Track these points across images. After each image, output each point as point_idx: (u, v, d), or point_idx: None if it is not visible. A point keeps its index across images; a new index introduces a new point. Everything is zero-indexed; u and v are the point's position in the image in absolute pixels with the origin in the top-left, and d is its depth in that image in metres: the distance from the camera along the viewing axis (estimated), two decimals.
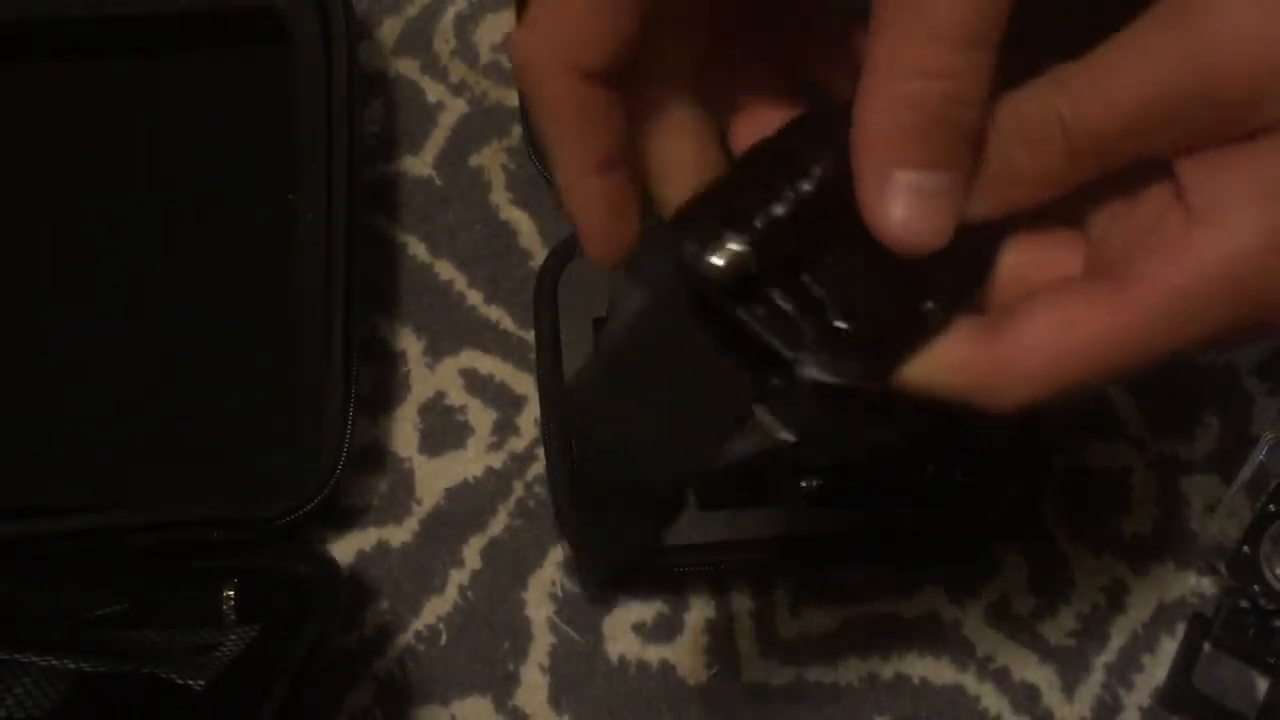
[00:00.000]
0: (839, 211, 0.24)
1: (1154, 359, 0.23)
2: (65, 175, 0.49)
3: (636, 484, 0.29)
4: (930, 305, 0.24)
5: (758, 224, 0.23)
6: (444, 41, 0.51)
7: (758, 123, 0.27)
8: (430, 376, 0.48)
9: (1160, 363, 0.24)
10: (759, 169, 0.25)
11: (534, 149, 0.47)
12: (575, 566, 0.46)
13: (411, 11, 0.52)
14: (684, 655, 0.46)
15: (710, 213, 0.24)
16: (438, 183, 0.50)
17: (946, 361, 0.25)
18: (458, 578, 0.47)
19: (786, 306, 0.24)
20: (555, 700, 0.45)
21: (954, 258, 0.24)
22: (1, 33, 0.47)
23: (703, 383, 0.25)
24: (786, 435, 0.24)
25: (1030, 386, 0.24)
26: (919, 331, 0.24)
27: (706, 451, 0.25)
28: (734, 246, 0.23)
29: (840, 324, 0.24)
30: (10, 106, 0.49)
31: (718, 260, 0.23)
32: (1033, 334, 0.24)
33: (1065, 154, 0.23)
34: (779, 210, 0.24)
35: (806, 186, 0.24)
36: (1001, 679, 0.46)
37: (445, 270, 0.49)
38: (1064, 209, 0.25)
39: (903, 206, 0.23)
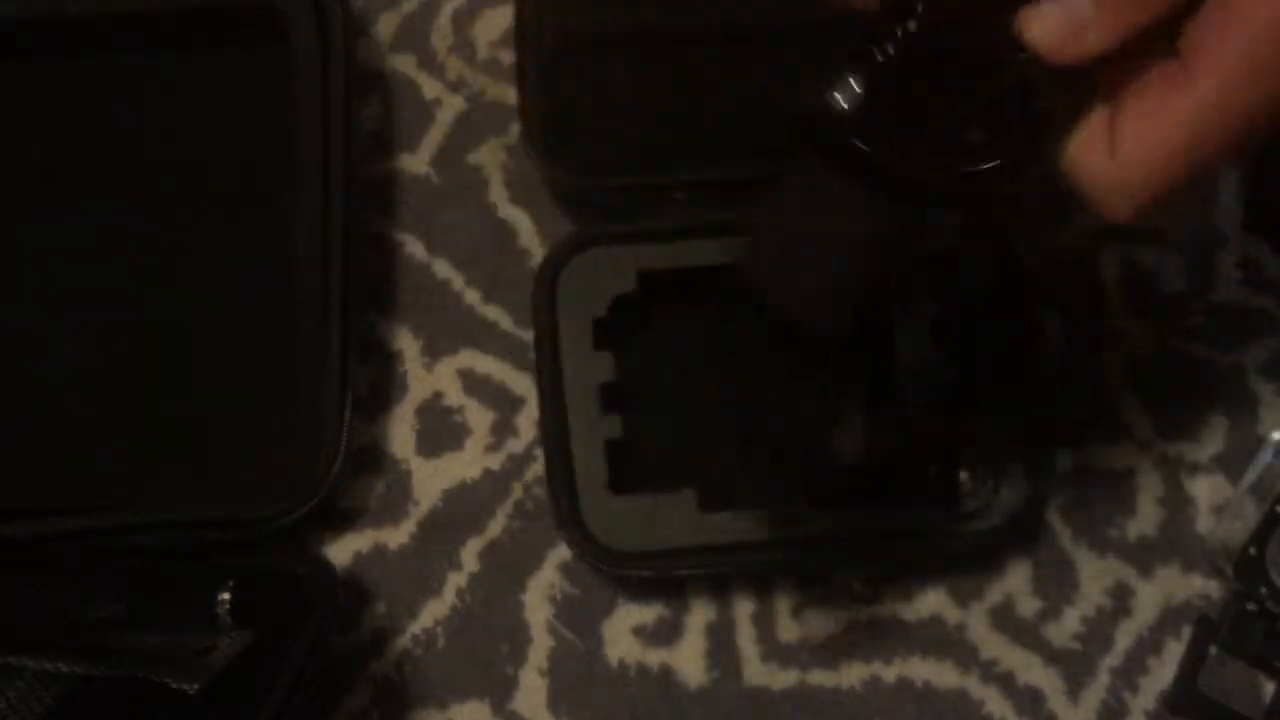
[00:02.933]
0: (947, 49, 0.27)
1: (1242, 126, 0.26)
2: (60, 173, 0.48)
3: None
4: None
5: (870, 61, 0.26)
6: (441, 38, 0.51)
7: None
8: (428, 377, 0.48)
9: (1255, 131, 0.26)
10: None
11: (533, 146, 0.47)
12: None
13: (408, 7, 0.51)
14: (684, 659, 0.45)
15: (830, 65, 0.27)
16: (435, 181, 0.50)
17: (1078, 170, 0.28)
18: (455, 580, 0.46)
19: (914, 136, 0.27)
20: (554, 704, 0.45)
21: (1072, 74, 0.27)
22: (1, 32, 0.47)
23: (850, 222, 0.28)
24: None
25: (1146, 194, 0.27)
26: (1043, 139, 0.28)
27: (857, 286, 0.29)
28: (850, 84, 0.26)
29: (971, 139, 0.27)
30: (10, 106, 0.49)
31: (838, 96, 0.26)
32: (1132, 143, 0.27)
33: None
34: (889, 49, 0.26)
35: (912, 26, 0.26)
36: (1005, 683, 0.45)
37: (442, 269, 0.49)
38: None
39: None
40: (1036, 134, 0.27)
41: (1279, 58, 0.25)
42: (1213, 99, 0.26)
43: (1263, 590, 0.43)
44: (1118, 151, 0.27)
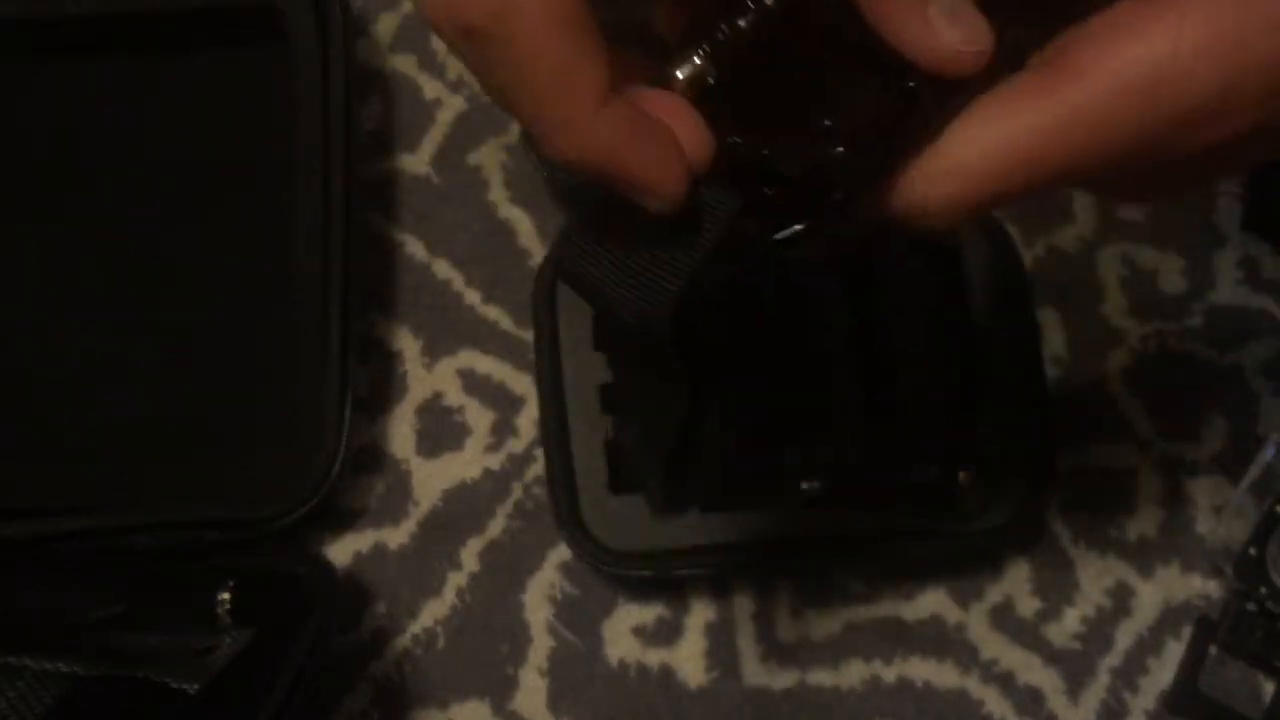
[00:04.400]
0: (801, 27, 0.25)
1: (1096, 150, 0.23)
2: (60, 173, 0.48)
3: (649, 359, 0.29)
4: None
5: (717, 37, 0.24)
6: None
7: None
8: (428, 377, 0.48)
9: (1088, 173, 0.24)
10: None
11: (533, 147, 0.47)
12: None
13: (408, 8, 0.51)
14: (684, 659, 0.45)
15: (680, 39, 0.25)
16: (435, 181, 0.50)
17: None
18: (456, 580, 0.46)
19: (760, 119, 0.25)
20: (554, 704, 0.45)
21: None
22: (1, 32, 0.47)
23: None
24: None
25: (970, 202, 0.24)
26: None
27: (675, 276, 0.25)
28: (693, 59, 0.24)
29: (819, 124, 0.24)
30: (10, 106, 0.49)
31: (679, 74, 0.24)
32: (967, 147, 0.24)
33: None
34: (740, 23, 0.24)
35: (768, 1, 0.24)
36: (1005, 683, 0.45)
37: (443, 269, 0.49)
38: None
39: (950, 26, 0.23)
40: (889, 125, 0.24)
41: (1166, 92, 0.22)
42: (1065, 128, 0.23)
43: (1263, 590, 0.43)
44: (948, 154, 0.24)
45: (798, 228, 0.24)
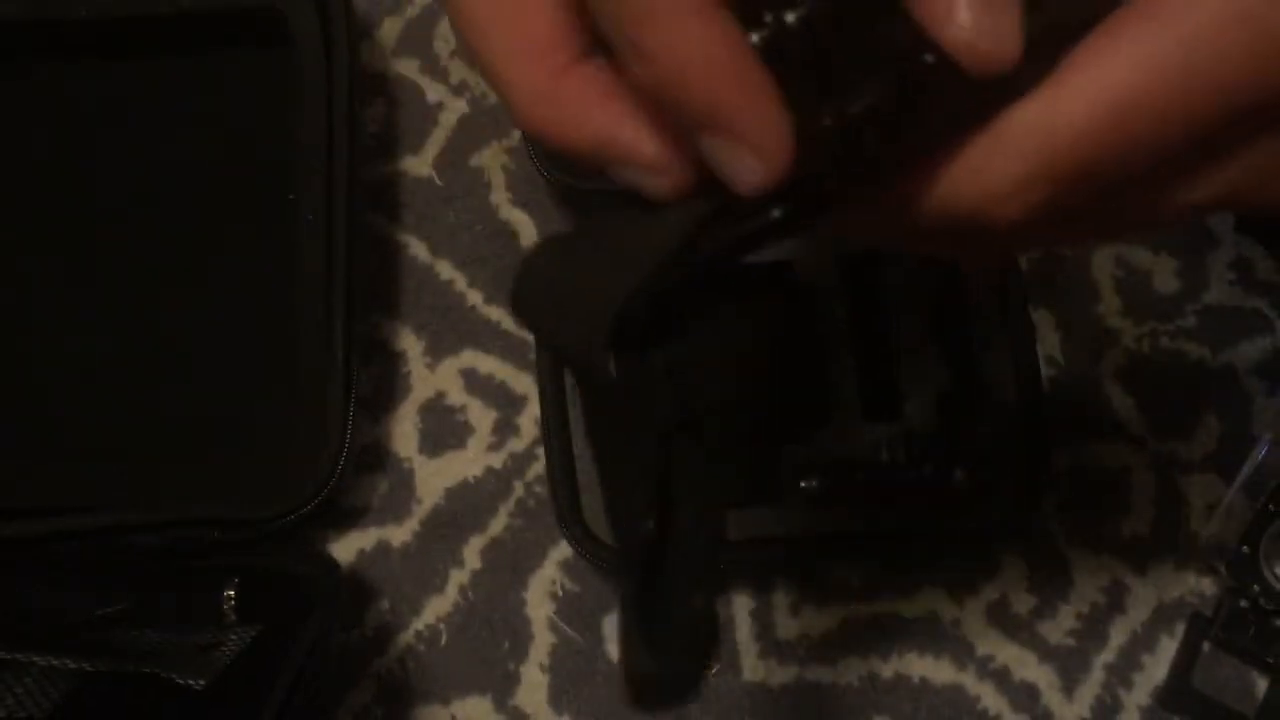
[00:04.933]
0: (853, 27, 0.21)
1: (1177, 116, 0.20)
2: (65, 175, 0.49)
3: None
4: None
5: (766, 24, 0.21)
6: (444, 41, 0.51)
7: None
8: (430, 376, 0.48)
9: (1191, 126, 0.20)
10: None
11: (534, 148, 0.47)
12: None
13: (412, 12, 0.52)
14: None
15: None
16: (438, 183, 0.50)
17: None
18: (458, 577, 0.47)
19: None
20: (555, 700, 0.45)
21: None
22: (2, 33, 0.48)
23: (638, 230, 0.22)
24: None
25: (1027, 182, 0.20)
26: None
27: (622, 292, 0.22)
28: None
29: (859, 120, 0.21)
30: (10, 106, 0.49)
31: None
32: (1029, 107, 0.20)
33: None
34: (789, 17, 0.21)
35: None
36: (1001, 678, 0.46)
37: (445, 270, 0.49)
38: None
39: (971, 9, 0.20)
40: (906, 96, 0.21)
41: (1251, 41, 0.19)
42: (1195, 31, 0.19)
43: (1255, 587, 0.43)
44: (1020, 122, 0.21)
45: (775, 214, 0.21)
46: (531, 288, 0.24)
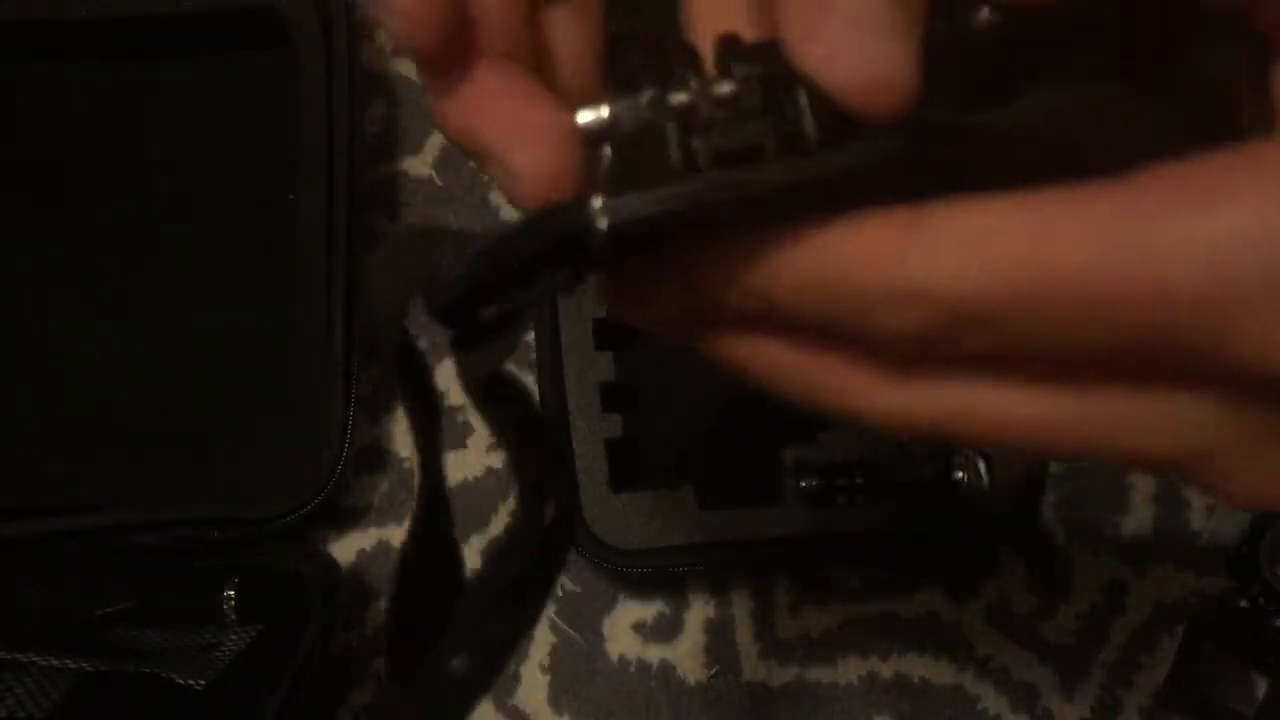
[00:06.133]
0: None
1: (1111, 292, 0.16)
2: (65, 175, 0.49)
3: None
4: None
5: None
6: None
7: None
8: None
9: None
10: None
11: None
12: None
13: None
14: (684, 655, 0.46)
15: None
16: (438, 183, 0.50)
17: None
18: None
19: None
20: (555, 700, 0.46)
21: None
22: (1, 33, 0.48)
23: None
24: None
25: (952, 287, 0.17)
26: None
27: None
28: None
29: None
30: (10, 106, 0.49)
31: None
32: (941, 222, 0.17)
33: None
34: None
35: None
36: (1001, 679, 0.46)
37: None
38: None
39: (850, 30, 0.17)
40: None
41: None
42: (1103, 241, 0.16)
43: (1255, 587, 0.43)
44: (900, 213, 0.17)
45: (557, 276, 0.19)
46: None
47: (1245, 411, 0.17)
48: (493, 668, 0.23)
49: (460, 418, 0.48)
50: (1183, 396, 0.17)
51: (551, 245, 0.18)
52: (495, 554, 0.23)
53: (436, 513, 0.24)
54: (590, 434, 0.44)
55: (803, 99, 0.17)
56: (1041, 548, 0.47)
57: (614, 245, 0.18)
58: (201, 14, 0.47)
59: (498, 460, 0.47)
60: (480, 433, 0.48)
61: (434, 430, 0.22)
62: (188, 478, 0.46)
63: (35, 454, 0.47)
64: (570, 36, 0.23)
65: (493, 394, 0.22)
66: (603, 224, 0.17)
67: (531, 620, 0.24)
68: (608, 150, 0.18)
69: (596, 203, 0.17)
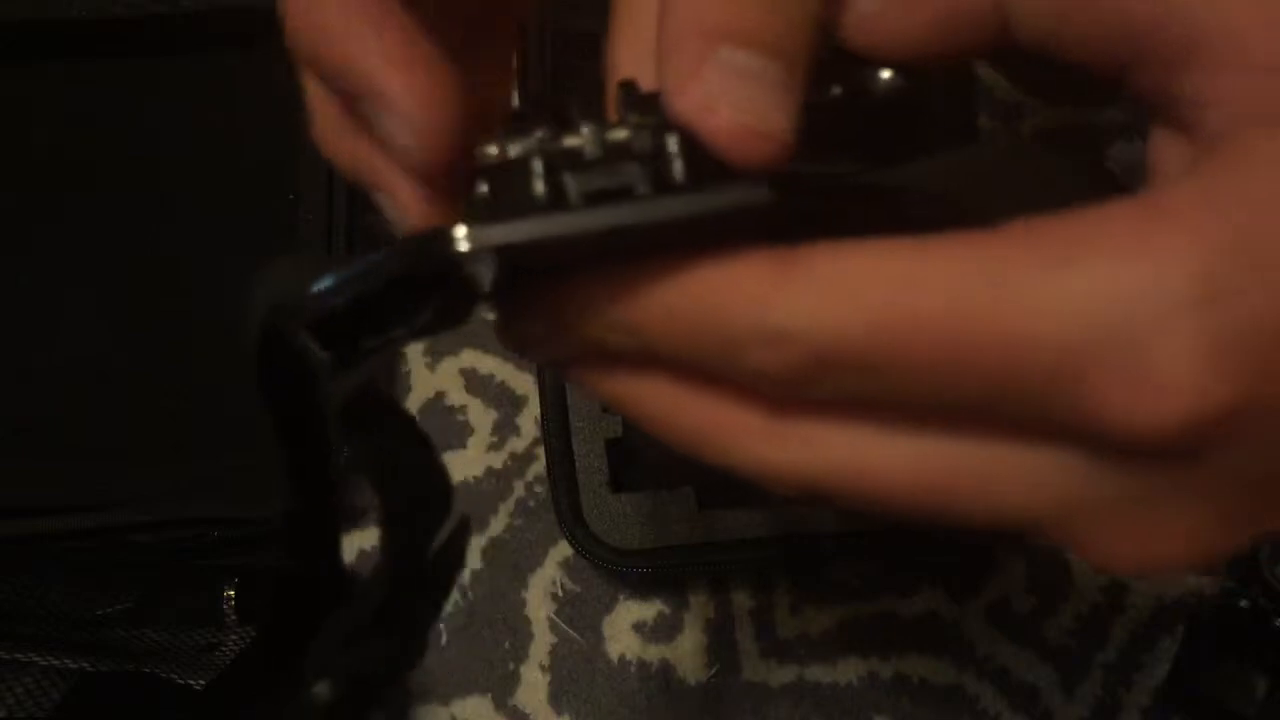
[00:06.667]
0: None
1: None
2: (64, 175, 0.49)
3: None
4: None
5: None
6: None
7: None
8: (430, 377, 0.48)
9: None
10: None
11: None
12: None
13: None
14: (684, 655, 0.46)
15: None
16: None
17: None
18: (458, 577, 0.47)
19: None
20: (555, 700, 0.46)
21: None
22: (1, 33, 0.48)
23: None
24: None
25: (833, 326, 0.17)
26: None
27: None
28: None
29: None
30: (10, 106, 0.49)
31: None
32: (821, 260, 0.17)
33: None
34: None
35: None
36: (1001, 678, 0.46)
37: None
38: None
39: (726, 79, 0.17)
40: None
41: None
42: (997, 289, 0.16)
43: (1255, 587, 0.43)
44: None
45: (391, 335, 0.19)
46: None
47: (1108, 472, 0.17)
48: (358, 699, 0.23)
49: (460, 418, 0.48)
50: (1048, 453, 0.17)
51: (411, 270, 0.18)
52: (363, 585, 0.23)
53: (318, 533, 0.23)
54: (590, 434, 0.44)
55: (674, 144, 0.18)
56: (1042, 547, 0.47)
57: (479, 277, 0.18)
58: (201, 14, 0.47)
59: (497, 460, 0.48)
60: (480, 433, 0.48)
61: (323, 451, 0.21)
62: (187, 478, 0.46)
63: (35, 454, 0.47)
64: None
65: (359, 414, 0.21)
66: (463, 248, 0.18)
67: (414, 650, 0.24)
68: (483, 185, 0.19)
69: (459, 231, 0.18)
